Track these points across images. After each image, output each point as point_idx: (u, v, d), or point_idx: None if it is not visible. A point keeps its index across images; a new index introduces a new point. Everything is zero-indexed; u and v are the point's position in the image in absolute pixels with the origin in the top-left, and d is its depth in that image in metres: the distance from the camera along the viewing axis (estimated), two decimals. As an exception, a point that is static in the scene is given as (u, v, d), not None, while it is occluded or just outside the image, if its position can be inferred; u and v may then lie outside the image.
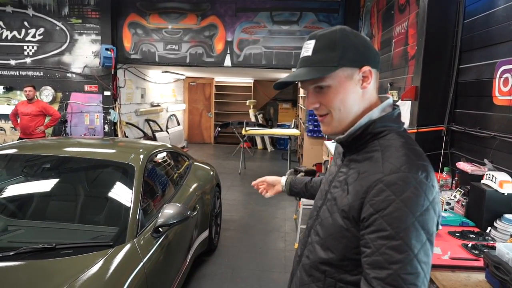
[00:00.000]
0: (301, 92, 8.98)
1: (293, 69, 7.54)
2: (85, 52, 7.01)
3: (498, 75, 2.41)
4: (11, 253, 1.81)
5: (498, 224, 1.96)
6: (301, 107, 9.03)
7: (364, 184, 0.87)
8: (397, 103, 1.01)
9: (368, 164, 0.91)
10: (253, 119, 10.60)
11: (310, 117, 6.93)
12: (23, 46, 7.02)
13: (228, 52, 6.93)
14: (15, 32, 6.99)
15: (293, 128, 8.76)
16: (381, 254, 0.80)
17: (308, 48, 0.96)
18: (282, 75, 9.42)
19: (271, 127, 10.45)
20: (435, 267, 1.57)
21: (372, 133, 0.94)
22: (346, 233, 0.91)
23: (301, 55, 0.98)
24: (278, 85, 1.02)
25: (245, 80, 11.96)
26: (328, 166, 5.08)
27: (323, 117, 0.99)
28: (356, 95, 0.95)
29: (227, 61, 6.95)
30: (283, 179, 1.58)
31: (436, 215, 0.86)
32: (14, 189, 2.60)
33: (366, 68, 0.94)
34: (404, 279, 0.78)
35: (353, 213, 0.88)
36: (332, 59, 0.92)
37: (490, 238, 1.94)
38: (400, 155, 0.87)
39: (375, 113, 0.95)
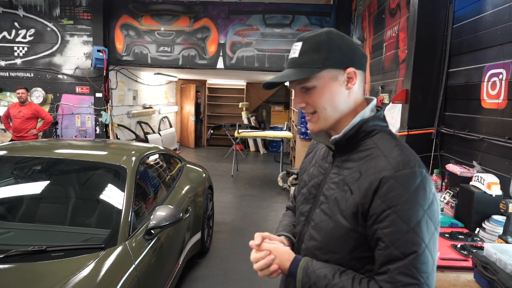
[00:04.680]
0: (293, 95, 9.01)
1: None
2: (76, 54, 6.96)
3: (486, 79, 2.46)
4: (0, 256, 1.79)
5: (486, 225, 2.00)
6: (293, 110, 9.06)
7: (373, 181, 0.89)
8: (380, 106, 1.05)
9: (369, 162, 0.93)
10: (245, 122, 10.59)
11: (303, 119, 6.96)
12: (13, 47, 6.93)
13: (221, 54, 6.93)
14: (5, 33, 6.90)
15: (285, 130, 8.78)
16: (396, 248, 0.85)
17: (295, 49, 0.98)
18: (275, 78, 9.45)
19: (264, 129, 10.46)
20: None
21: (365, 131, 0.97)
22: (353, 233, 0.92)
23: (289, 57, 1.01)
24: (267, 85, 1.06)
25: (238, 82, 11.96)
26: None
27: (310, 116, 1.02)
28: (342, 95, 0.98)
29: (220, 64, 6.95)
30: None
31: (438, 205, 0.91)
32: (4, 191, 2.57)
33: (351, 70, 0.97)
34: (418, 269, 0.84)
35: (362, 210, 0.90)
36: (317, 61, 0.95)
37: (478, 239, 1.97)
38: (401, 152, 0.92)
39: (366, 113, 0.98)
